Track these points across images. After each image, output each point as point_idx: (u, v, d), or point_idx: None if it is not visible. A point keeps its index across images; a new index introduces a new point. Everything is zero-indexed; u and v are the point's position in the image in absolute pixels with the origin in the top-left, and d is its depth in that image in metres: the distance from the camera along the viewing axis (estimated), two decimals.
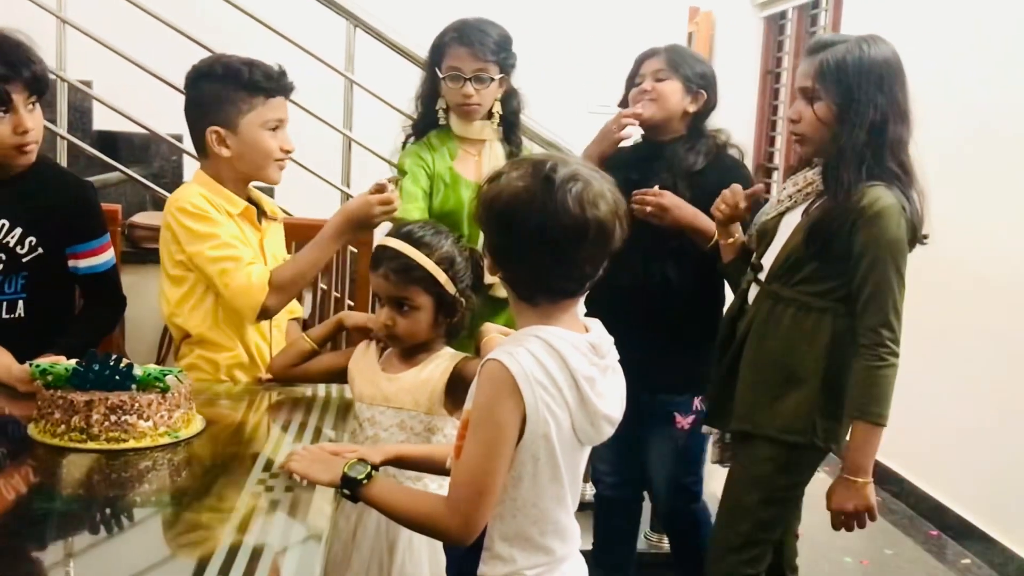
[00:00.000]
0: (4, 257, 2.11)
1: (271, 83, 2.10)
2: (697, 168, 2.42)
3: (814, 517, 3.73)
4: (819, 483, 4.16)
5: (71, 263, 2.21)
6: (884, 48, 2.06)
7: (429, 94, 2.53)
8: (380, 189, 2.08)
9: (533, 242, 1.34)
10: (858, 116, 1.99)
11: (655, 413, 2.46)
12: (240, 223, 2.14)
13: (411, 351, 1.92)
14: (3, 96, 2.00)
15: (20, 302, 2.16)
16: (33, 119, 2.06)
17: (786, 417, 2.09)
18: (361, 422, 1.91)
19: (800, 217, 2.11)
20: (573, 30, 4.87)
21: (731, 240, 2.29)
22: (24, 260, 2.14)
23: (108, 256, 2.27)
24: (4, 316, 2.14)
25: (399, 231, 1.92)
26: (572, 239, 1.34)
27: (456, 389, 1.85)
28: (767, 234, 2.18)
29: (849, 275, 2.01)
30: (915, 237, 2.04)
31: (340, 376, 2.00)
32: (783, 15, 5.60)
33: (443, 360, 1.90)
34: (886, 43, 2.09)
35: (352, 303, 2.96)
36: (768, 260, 2.15)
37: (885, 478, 4.11)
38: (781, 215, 2.16)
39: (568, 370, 1.36)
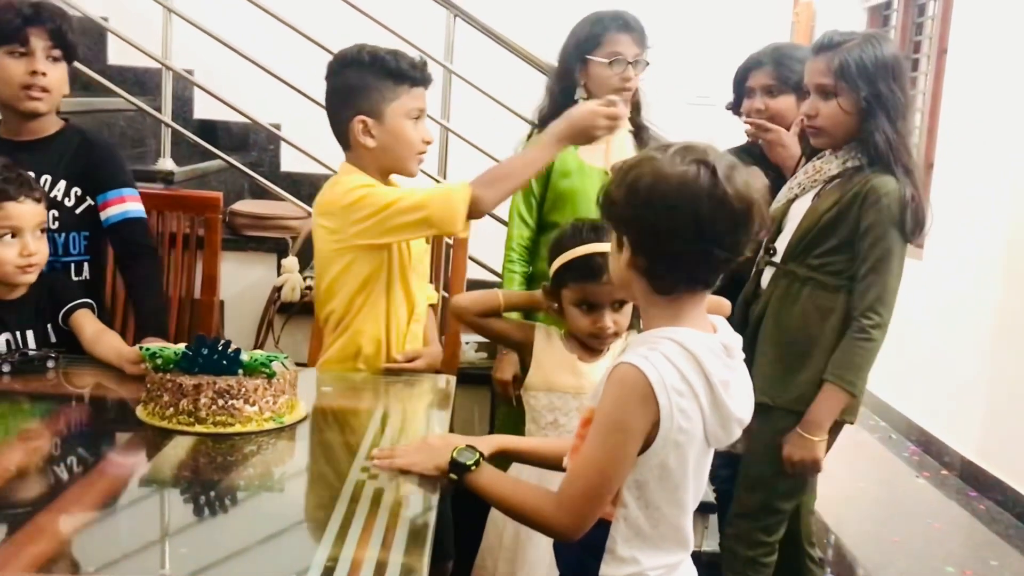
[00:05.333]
0: (56, 213, 2.19)
1: (415, 72, 2.07)
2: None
3: (914, 526, 3.66)
4: (917, 489, 4.05)
5: (102, 215, 2.25)
6: (891, 46, 2.16)
7: (567, 85, 2.55)
8: (611, 104, 2.05)
9: (699, 229, 1.29)
10: (883, 108, 2.08)
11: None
12: None
13: None
14: (23, 38, 2.10)
15: (86, 264, 2.25)
16: (52, 71, 2.15)
17: (801, 389, 2.16)
18: (549, 411, 1.99)
19: (810, 202, 2.21)
20: (672, 19, 4.80)
21: None
22: (76, 213, 2.22)
23: (141, 207, 2.30)
24: (74, 278, 2.23)
25: (582, 235, 1.96)
26: (737, 224, 1.30)
27: None
28: (776, 220, 2.27)
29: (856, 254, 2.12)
30: (919, 227, 2.11)
31: (508, 344, 2.15)
32: (888, 5, 5.44)
33: (629, 337, 1.97)
34: (892, 42, 2.21)
35: (447, 294, 2.95)
36: (780, 244, 2.24)
37: (989, 486, 3.96)
38: (790, 202, 2.26)
39: (704, 374, 1.31)
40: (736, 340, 1.40)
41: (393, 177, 2.16)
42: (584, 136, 2.07)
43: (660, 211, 1.30)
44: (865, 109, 2.09)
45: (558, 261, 1.98)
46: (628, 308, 1.96)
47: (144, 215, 2.31)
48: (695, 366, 1.31)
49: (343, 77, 2.08)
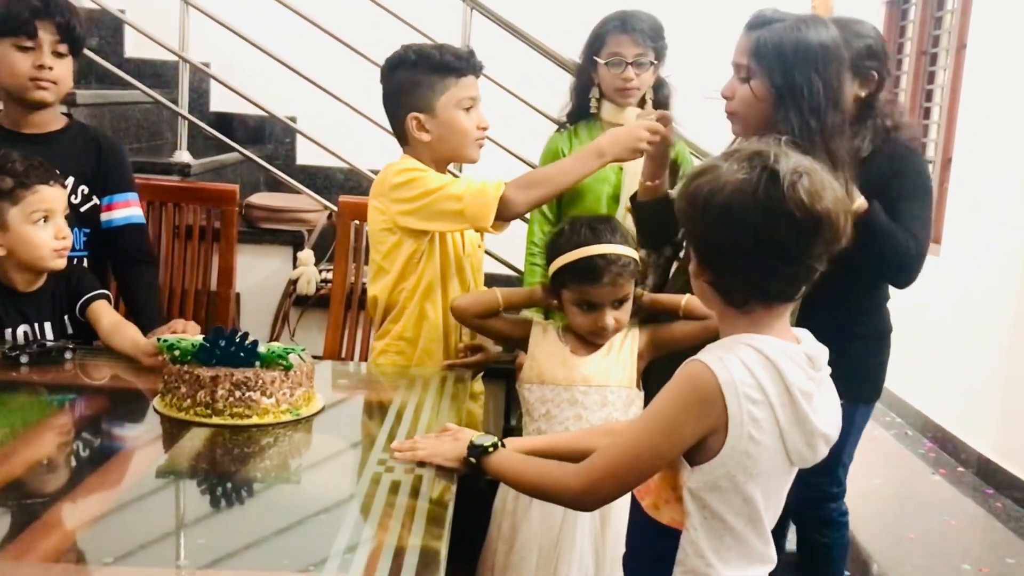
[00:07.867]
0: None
1: (460, 62, 2.11)
2: (863, 155, 2.23)
3: (930, 523, 3.63)
4: (933, 486, 4.03)
5: (105, 216, 2.27)
6: (824, 32, 1.96)
7: (583, 85, 2.59)
8: (663, 120, 2.07)
9: (758, 242, 1.21)
10: (793, 99, 1.92)
11: None
12: None
13: None
14: (31, 31, 2.10)
15: (84, 260, 2.25)
16: (59, 65, 2.16)
17: None
18: (542, 403, 1.97)
19: None
20: (689, 12, 4.77)
21: (656, 182, 2.16)
22: (81, 210, 2.23)
23: (141, 213, 2.34)
24: None
25: (579, 235, 1.94)
26: (802, 236, 1.21)
27: (644, 359, 1.99)
28: None
29: None
30: None
31: (506, 341, 2.12)
32: None
33: (627, 332, 2.00)
34: (828, 26, 1.99)
35: None
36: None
37: (1007, 484, 3.94)
38: None
39: (784, 384, 1.24)
40: (822, 352, 1.31)
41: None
42: (627, 151, 2.07)
43: (717, 224, 1.24)
44: (775, 97, 1.93)
45: (556, 263, 1.96)
46: (628, 305, 1.95)
47: (144, 221, 2.35)
48: (774, 375, 1.24)
49: (393, 79, 2.14)
